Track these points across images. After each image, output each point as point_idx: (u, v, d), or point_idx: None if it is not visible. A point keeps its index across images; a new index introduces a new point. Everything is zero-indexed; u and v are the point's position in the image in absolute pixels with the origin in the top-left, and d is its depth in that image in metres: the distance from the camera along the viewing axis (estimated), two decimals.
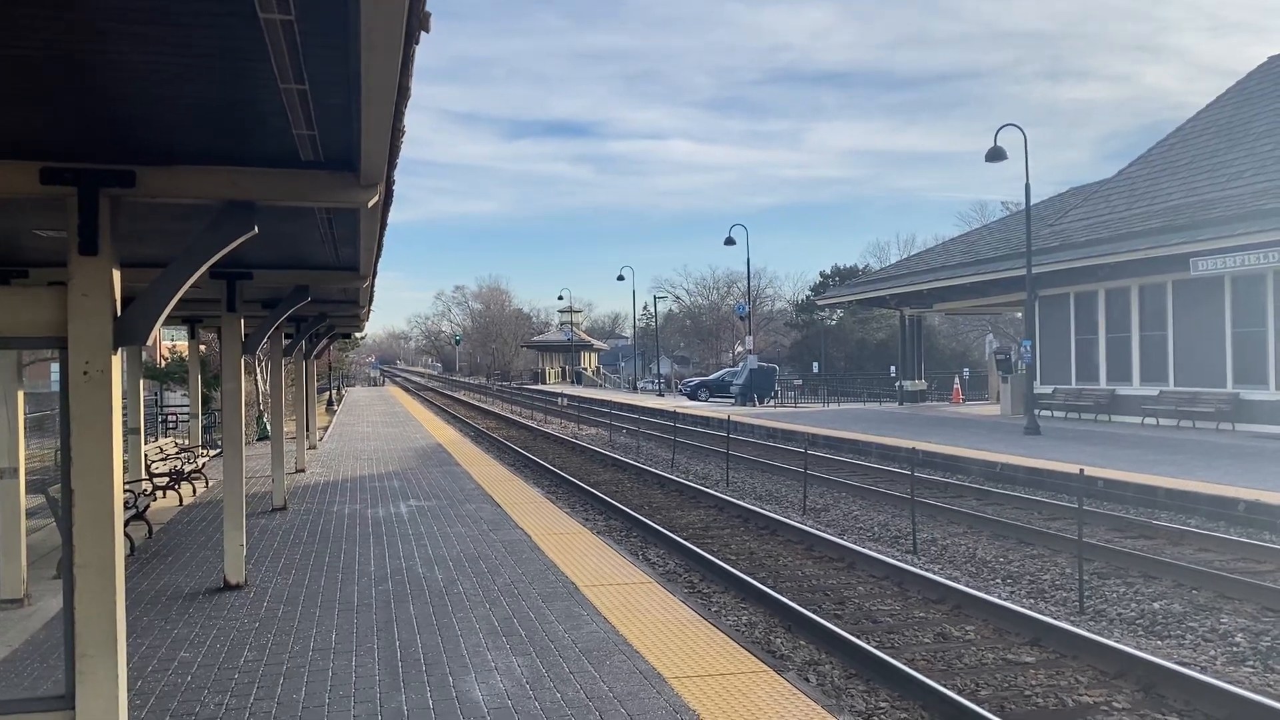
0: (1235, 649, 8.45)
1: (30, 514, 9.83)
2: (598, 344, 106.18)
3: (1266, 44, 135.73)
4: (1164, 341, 26.20)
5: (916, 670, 7.56)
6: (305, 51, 3.43)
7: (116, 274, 4.62)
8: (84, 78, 3.83)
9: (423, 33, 3.32)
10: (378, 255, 9.67)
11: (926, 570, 11.14)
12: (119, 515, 4.58)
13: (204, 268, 5.02)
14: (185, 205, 5.27)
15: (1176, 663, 7.68)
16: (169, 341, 41.86)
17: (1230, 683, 7.19)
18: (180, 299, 5.02)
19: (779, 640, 8.84)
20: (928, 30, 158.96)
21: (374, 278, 12.37)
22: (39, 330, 4.55)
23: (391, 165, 5.14)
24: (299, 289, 10.51)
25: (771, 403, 44.94)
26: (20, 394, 8.76)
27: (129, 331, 4.65)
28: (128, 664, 4.85)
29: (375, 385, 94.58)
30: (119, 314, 4.61)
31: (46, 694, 5.91)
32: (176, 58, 3.61)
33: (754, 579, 10.71)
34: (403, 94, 3.82)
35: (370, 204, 5.28)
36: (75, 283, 4.50)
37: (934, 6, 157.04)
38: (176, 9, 3.21)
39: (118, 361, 4.63)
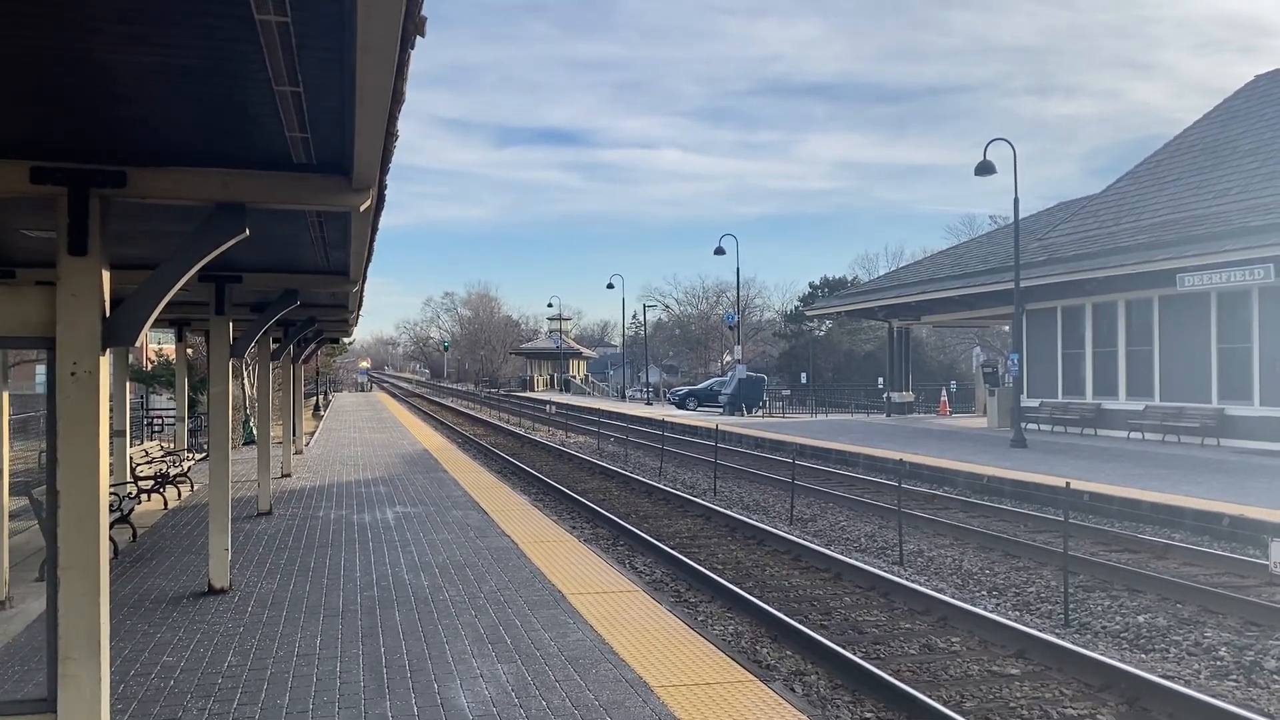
0: (1219, 663, 8.48)
1: (13, 516, 9.75)
2: (587, 352, 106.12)
3: (1252, 62, 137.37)
4: (1150, 356, 26.35)
5: (902, 681, 7.56)
6: (300, 54, 3.43)
7: (106, 275, 4.59)
8: (76, 77, 3.81)
9: (418, 37, 3.33)
10: (368, 260, 9.66)
11: (913, 582, 11.15)
12: (104, 517, 4.55)
13: (194, 269, 5.00)
14: (176, 206, 5.25)
15: (1161, 676, 7.70)
16: (155, 345, 41.66)
17: (1214, 696, 7.22)
18: (169, 301, 5.00)
19: (765, 650, 8.83)
20: (917, 44, 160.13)
21: (364, 282, 12.36)
22: (27, 330, 4.52)
23: (384, 169, 5.14)
24: (288, 293, 10.48)
25: (759, 412, 44.99)
26: (4, 395, 8.70)
27: (118, 332, 4.63)
28: (110, 667, 4.81)
29: (363, 391, 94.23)
30: (108, 315, 4.58)
31: (28, 697, 5.85)
32: (170, 58, 3.60)
33: (741, 588, 10.69)
34: (397, 98, 3.82)
35: (362, 208, 5.27)
36: (64, 283, 4.47)
37: (923, 21, 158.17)
38: (171, 9, 3.20)
39: (106, 363, 4.61)
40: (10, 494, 9.04)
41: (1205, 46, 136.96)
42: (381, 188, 5.61)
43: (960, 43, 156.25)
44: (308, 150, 4.68)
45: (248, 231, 5.05)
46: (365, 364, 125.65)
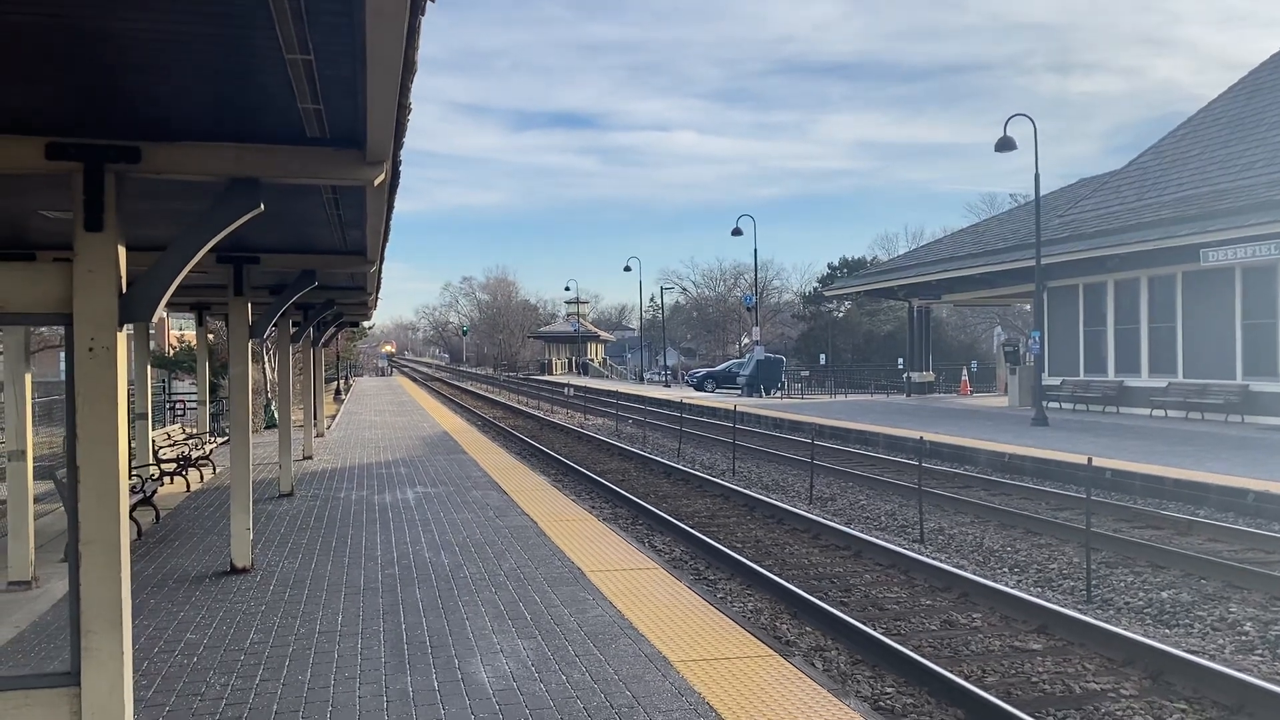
0: (1244, 637, 8.41)
1: (38, 499, 9.86)
2: (604, 335, 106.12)
3: (1276, 37, 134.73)
4: (1173, 333, 26.08)
5: (923, 656, 7.53)
6: (310, 20, 3.39)
7: (122, 250, 4.59)
8: (89, 49, 3.79)
9: (429, 3, 3.29)
10: (385, 239, 9.65)
11: (933, 559, 11.10)
12: (124, 492, 4.56)
13: (210, 244, 4.99)
14: (190, 183, 5.24)
15: (1185, 650, 7.63)
16: (177, 330, 41.97)
17: (1239, 670, 7.15)
18: (188, 283, 5.01)
19: (785, 626, 8.82)
20: (935, 22, 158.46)
21: (381, 263, 12.36)
22: (45, 306, 4.52)
23: (398, 143, 5.11)
24: (306, 273, 10.50)
25: (778, 394, 44.88)
26: (28, 376, 8.78)
27: (134, 308, 4.63)
28: (134, 645, 4.84)
29: (383, 375, 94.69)
30: (124, 290, 4.59)
31: (53, 671, 5.91)
32: (182, 26, 3.57)
33: (760, 566, 10.68)
34: (409, 67, 3.78)
35: (376, 182, 5.25)
36: (81, 259, 4.47)
37: None
38: None
39: (123, 338, 4.62)
40: (35, 477, 9.13)
41: (1227, 21, 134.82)
42: (396, 162, 5.58)
43: (978, 20, 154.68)
44: (320, 123, 4.66)
45: (262, 206, 5.04)
46: (389, 348, 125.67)
